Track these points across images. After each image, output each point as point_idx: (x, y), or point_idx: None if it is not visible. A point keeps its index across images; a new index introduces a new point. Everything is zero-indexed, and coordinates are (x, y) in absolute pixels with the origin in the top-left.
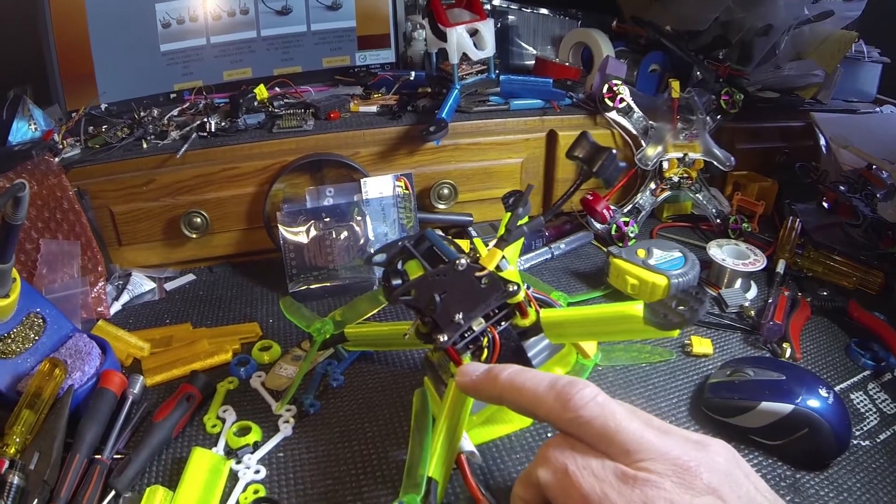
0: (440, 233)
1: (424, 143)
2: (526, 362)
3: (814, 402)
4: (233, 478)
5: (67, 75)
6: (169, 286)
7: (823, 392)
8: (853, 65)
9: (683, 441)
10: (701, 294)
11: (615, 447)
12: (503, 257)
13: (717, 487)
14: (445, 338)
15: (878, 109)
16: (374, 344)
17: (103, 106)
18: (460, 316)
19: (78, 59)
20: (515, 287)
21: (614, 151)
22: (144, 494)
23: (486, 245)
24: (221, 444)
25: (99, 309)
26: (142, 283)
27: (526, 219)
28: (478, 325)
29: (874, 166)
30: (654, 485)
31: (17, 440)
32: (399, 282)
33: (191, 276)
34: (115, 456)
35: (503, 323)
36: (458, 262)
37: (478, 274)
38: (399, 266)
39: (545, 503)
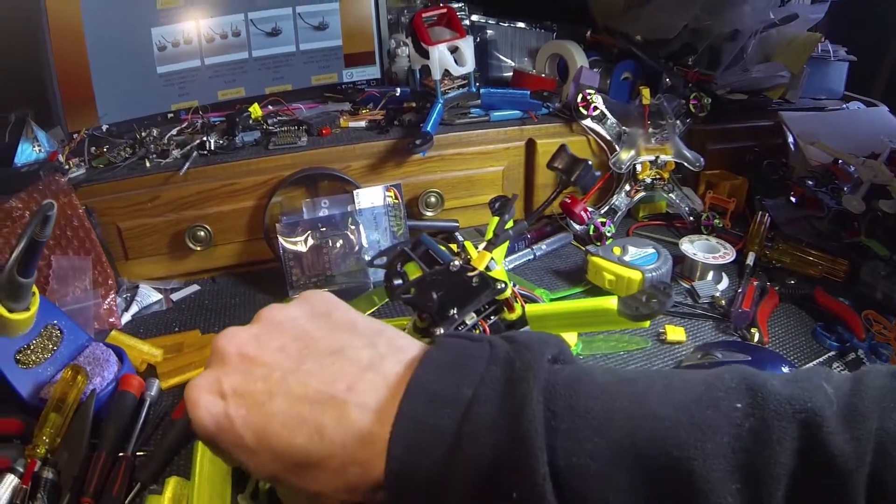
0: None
1: (411, 154)
2: None
3: None
4: None
5: (68, 98)
6: (175, 297)
7: (786, 369)
8: (821, 64)
9: None
10: (668, 289)
11: None
12: (492, 258)
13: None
14: (442, 331)
15: (845, 106)
16: None
17: (104, 127)
18: (455, 311)
19: (78, 82)
20: (503, 285)
21: (590, 162)
22: (167, 486)
23: (475, 246)
24: None
25: (111, 320)
26: (149, 295)
27: (511, 223)
28: (470, 319)
29: (840, 161)
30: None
31: (46, 440)
32: (400, 282)
33: (195, 287)
34: (138, 453)
35: (493, 317)
36: (452, 263)
37: (469, 274)
38: (399, 268)
39: None
